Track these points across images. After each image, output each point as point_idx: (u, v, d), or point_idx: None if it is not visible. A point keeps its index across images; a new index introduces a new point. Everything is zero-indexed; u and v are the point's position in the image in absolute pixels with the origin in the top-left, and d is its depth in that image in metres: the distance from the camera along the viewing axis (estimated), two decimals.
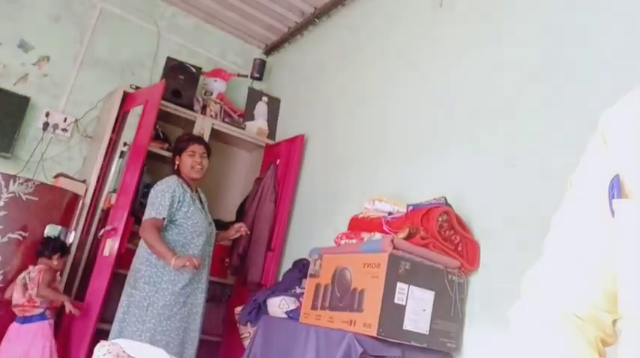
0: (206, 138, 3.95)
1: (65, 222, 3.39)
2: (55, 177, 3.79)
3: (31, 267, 3.11)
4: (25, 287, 3.02)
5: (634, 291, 0.78)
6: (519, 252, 2.11)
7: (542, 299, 0.92)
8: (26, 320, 2.98)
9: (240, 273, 3.84)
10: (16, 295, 3.00)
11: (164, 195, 2.87)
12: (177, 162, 3.07)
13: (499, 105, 2.45)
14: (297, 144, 3.92)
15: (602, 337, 0.86)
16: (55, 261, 3.18)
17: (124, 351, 1.78)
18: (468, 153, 2.54)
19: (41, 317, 3.01)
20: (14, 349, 2.89)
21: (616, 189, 0.80)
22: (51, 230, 3.27)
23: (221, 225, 4.03)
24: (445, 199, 2.34)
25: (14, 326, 2.97)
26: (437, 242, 2.22)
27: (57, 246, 3.20)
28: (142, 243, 2.92)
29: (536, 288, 0.94)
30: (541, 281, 0.94)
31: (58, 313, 3.19)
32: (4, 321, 3.02)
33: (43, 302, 3.02)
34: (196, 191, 3.12)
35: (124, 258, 3.23)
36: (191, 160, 3.03)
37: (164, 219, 2.85)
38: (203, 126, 4.02)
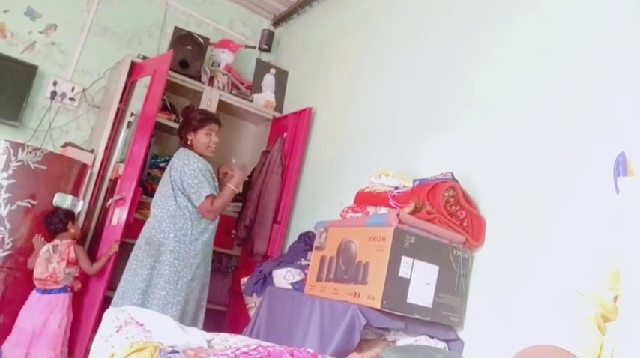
0: (213, 110, 3.95)
1: (73, 191, 3.41)
2: (63, 146, 3.81)
3: (56, 241, 3.15)
4: (48, 260, 3.06)
5: (636, 269, 0.78)
6: (524, 229, 2.12)
7: (547, 277, 0.93)
8: (46, 291, 3.03)
9: (246, 245, 3.88)
10: (39, 269, 3.04)
11: (206, 172, 2.91)
12: (190, 138, 3.03)
13: (508, 82, 2.43)
14: (304, 117, 3.91)
15: (603, 313, 0.87)
16: (72, 230, 3.23)
17: (132, 318, 1.82)
18: (475, 129, 2.52)
19: (62, 289, 3.07)
20: (34, 316, 2.95)
21: (621, 166, 0.81)
22: (59, 198, 3.29)
23: None
24: (452, 174, 2.34)
25: (35, 295, 3.03)
26: (442, 217, 2.22)
27: (65, 218, 3.22)
28: (162, 218, 2.90)
29: (542, 266, 0.95)
30: (547, 259, 0.95)
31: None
32: (18, 283, 3.10)
33: (64, 279, 3.07)
34: None
35: (132, 228, 3.27)
36: (208, 139, 3.01)
37: (214, 194, 2.91)
38: (210, 97, 4.01)
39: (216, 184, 3.02)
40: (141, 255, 2.88)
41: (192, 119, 3.05)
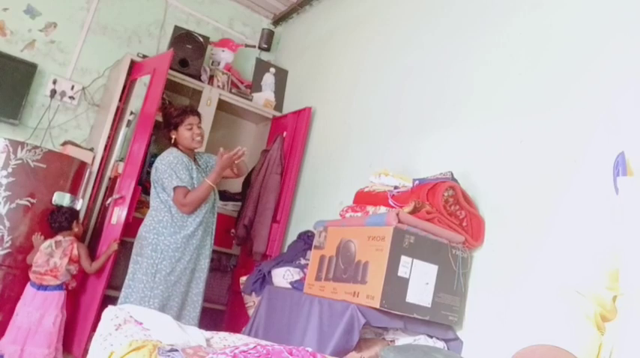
0: (213, 108, 3.95)
1: (73, 189, 3.41)
2: (63, 144, 3.81)
3: (59, 237, 3.15)
4: (50, 255, 3.06)
5: (635, 269, 0.78)
6: (524, 229, 2.12)
7: (547, 276, 0.93)
8: (41, 287, 3.02)
9: (245, 244, 3.88)
10: (40, 262, 3.04)
11: (176, 166, 2.91)
12: (173, 136, 3.06)
13: (508, 81, 2.43)
14: (303, 116, 3.90)
15: (602, 312, 0.87)
16: (75, 228, 3.23)
17: (131, 316, 1.81)
18: (475, 129, 2.52)
19: (58, 287, 3.06)
20: (30, 313, 2.95)
21: (621, 166, 0.80)
22: (59, 197, 3.29)
23: (227, 197, 4.06)
24: (451, 174, 2.34)
25: (30, 291, 3.02)
26: (442, 216, 2.22)
27: (70, 216, 3.22)
28: (149, 213, 2.97)
29: (542, 266, 0.95)
30: (547, 258, 0.95)
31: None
32: (17, 281, 3.10)
33: (63, 276, 3.07)
34: (194, 159, 3.13)
35: (132, 227, 3.27)
36: (190, 133, 3.02)
37: (185, 186, 2.90)
38: (210, 96, 4.01)
39: (196, 176, 3.01)
40: (132, 252, 2.95)
41: (170, 117, 3.08)
